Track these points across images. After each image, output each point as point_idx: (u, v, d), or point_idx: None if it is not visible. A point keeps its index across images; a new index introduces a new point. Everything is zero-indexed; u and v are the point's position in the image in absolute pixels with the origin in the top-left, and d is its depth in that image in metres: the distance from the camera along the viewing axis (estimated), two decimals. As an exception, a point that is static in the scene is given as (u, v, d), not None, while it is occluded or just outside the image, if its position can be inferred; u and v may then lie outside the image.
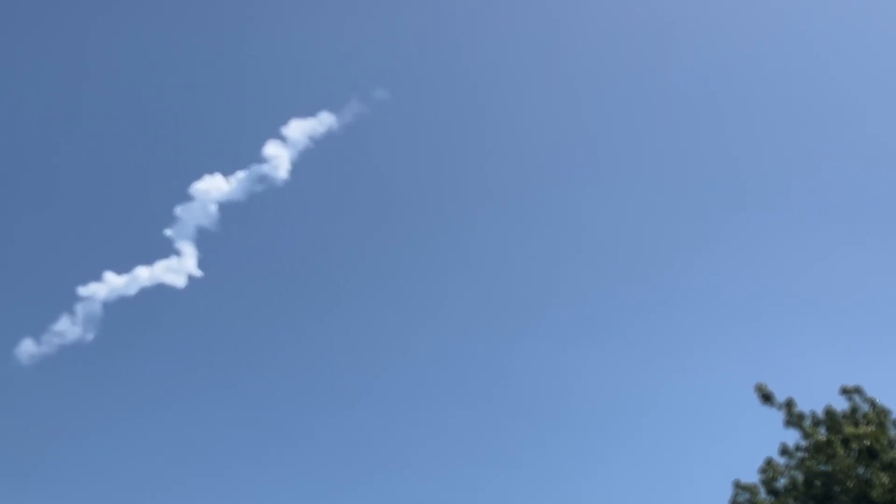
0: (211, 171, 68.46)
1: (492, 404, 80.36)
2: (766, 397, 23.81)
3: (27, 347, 64.26)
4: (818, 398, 23.84)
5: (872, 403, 23.51)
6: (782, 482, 23.36)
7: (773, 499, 23.23)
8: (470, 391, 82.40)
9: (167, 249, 66.97)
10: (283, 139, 68.18)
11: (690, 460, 74.63)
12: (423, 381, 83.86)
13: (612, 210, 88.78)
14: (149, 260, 68.33)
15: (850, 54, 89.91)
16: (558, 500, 74.82)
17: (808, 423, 23.57)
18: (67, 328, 63.87)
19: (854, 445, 22.59)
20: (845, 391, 23.30)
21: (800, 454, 23.43)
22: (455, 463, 77.67)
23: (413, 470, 76.78)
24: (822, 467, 22.62)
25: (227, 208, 66.75)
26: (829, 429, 23.11)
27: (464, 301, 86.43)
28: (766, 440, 25.02)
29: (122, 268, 68.12)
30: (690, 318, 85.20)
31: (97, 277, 65.78)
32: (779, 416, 23.81)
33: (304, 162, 69.84)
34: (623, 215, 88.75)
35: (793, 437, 23.78)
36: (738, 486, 23.74)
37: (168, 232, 66.00)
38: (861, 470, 22.42)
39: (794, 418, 23.71)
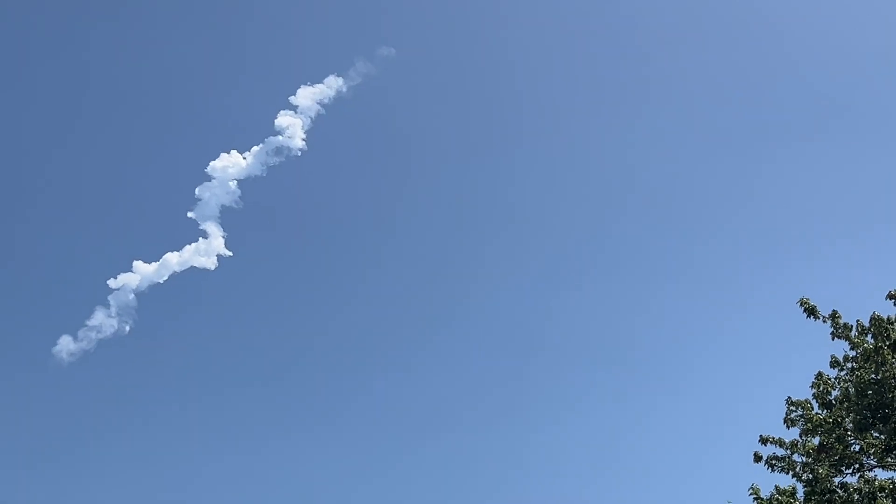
0: (226, 149, 68.26)
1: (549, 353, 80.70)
2: (811, 311, 23.48)
3: (66, 345, 64.55)
4: (865, 310, 23.49)
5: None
6: (835, 395, 23.13)
7: (826, 412, 22.99)
8: (521, 342, 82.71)
9: (193, 232, 67.03)
10: (293, 108, 67.85)
11: (743, 385, 74.84)
12: (464, 337, 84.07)
13: (642, 144, 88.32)
14: (176, 245, 68.44)
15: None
16: (615, 433, 75.36)
17: (854, 332, 23.26)
18: (103, 321, 64.08)
19: (903, 350, 22.26)
20: (891, 297, 22.90)
21: (849, 365, 23.17)
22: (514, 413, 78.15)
23: (462, 427, 77.29)
24: (874, 376, 22.28)
25: (247, 184, 66.62)
26: (875, 336, 22.74)
27: (489, 249, 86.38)
28: (815, 358, 24.78)
29: (151, 255, 68.28)
30: (729, 246, 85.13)
31: (126, 267, 65.94)
32: (825, 331, 23.54)
33: (318, 128, 69.62)
34: (651, 149, 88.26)
35: (841, 351, 23.59)
36: (791, 403, 23.53)
37: (191, 214, 65.90)
38: (913, 373, 22.09)
39: (840, 329, 23.39)
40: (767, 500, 22.76)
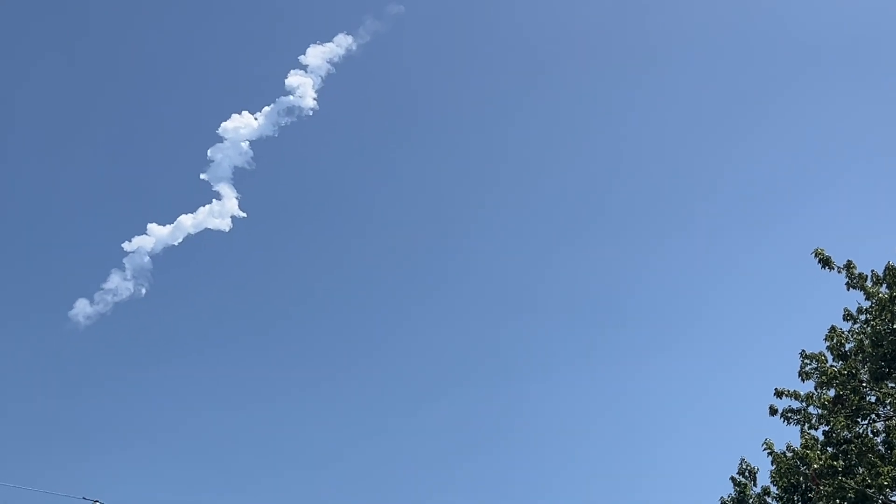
0: (237, 110, 68.00)
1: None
2: (825, 262, 23.25)
3: (82, 308, 64.77)
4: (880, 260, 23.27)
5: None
6: (849, 347, 22.94)
7: (841, 363, 22.82)
8: (522, 299, 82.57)
9: (207, 194, 66.98)
10: (303, 68, 67.45)
11: (758, 339, 74.69)
12: (474, 291, 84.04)
13: (644, 93, 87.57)
14: (190, 207, 68.43)
15: None
16: (631, 391, 75.42)
17: (869, 283, 23.06)
18: (119, 284, 64.24)
19: (918, 300, 22.03)
20: (905, 247, 22.69)
21: (863, 317, 22.97)
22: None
23: (474, 383, 77.53)
24: (889, 326, 22.08)
25: (259, 145, 66.40)
26: (890, 286, 22.54)
27: (501, 207, 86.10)
28: (829, 310, 24.61)
29: (165, 218, 68.32)
30: (744, 193, 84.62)
31: (141, 230, 65.98)
32: (840, 282, 23.34)
33: (329, 88, 69.26)
34: (654, 98, 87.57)
35: (855, 303, 23.40)
36: (805, 356, 23.36)
37: (204, 176, 65.78)
38: (928, 323, 21.87)
39: (855, 279, 23.19)
40: (782, 453, 22.74)
